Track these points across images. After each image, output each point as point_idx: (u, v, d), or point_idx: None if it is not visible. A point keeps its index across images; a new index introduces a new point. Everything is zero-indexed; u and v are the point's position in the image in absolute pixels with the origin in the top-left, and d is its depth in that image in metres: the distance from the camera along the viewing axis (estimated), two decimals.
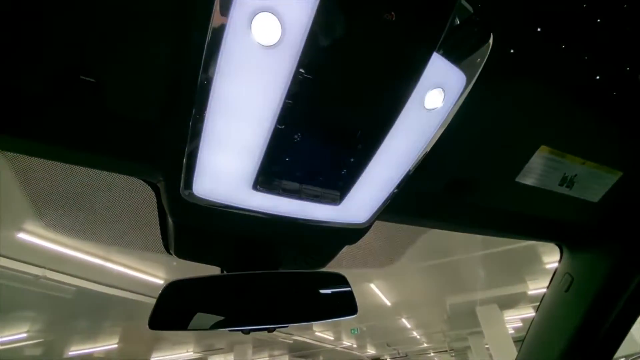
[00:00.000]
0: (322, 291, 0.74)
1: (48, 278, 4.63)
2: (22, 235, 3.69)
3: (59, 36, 0.40)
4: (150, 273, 5.05)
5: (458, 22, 0.43)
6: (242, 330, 0.66)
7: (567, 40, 0.55)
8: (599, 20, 0.54)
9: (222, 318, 0.65)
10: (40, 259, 4.33)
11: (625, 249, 0.90)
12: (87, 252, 4.17)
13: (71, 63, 0.42)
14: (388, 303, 7.31)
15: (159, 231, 0.81)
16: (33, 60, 0.41)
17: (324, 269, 0.85)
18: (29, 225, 3.56)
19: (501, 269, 6.03)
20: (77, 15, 0.39)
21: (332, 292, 0.74)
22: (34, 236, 3.73)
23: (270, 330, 0.68)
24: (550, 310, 1.07)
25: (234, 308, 0.67)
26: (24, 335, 6.68)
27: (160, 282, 5.19)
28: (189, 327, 0.62)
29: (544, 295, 1.11)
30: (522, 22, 0.52)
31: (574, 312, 0.97)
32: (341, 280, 0.75)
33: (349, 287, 0.75)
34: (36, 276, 4.53)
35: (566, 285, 1.01)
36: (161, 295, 0.63)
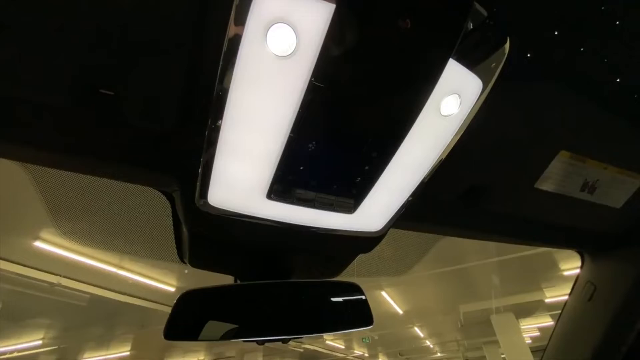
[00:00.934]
0: (337, 301, 0.73)
1: (63, 285, 4.71)
2: (39, 244, 3.77)
3: (78, 49, 0.41)
4: (163, 281, 5.08)
5: (472, 27, 0.43)
6: (256, 341, 0.65)
7: (585, 43, 0.54)
8: (617, 23, 0.53)
9: (237, 328, 0.64)
10: (56, 267, 4.42)
11: None
12: (101, 260, 4.24)
13: (90, 76, 0.42)
14: (400, 311, 7.19)
15: (172, 240, 0.82)
16: (53, 74, 0.42)
17: (338, 278, 0.84)
18: (46, 234, 3.65)
19: (516, 276, 5.88)
20: (96, 30, 0.40)
21: (347, 302, 0.73)
22: (50, 244, 3.81)
23: (284, 341, 0.67)
24: (573, 320, 1.03)
25: (249, 318, 0.66)
26: (39, 342, 6.79)
27: (172, 289, 5.22)
28: (204, 338, 0.62)
29: (565, 304, 1.07)
30: (539, 26, 0.51)
31: (598, 322, 0.93)
32: (356, 290, 0.74)
33: (364, 297, 0.73)
34: (52, 284, 4.62)
35: (589, 294, 0.97)
36: (176, 305, 0.63)
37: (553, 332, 1.09)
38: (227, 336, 0.63)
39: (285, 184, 0.52)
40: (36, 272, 4.43)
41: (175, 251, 0.85)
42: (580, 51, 0.55)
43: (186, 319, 0.64)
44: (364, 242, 0.68)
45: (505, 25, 0.47)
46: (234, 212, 0.55)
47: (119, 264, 4.44)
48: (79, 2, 0.38)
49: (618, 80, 0.59)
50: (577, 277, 1.06)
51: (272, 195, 0.53)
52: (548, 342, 1.09)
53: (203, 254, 0.73)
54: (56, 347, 7.30)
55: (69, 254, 3.99)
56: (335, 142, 0.48)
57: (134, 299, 5.46)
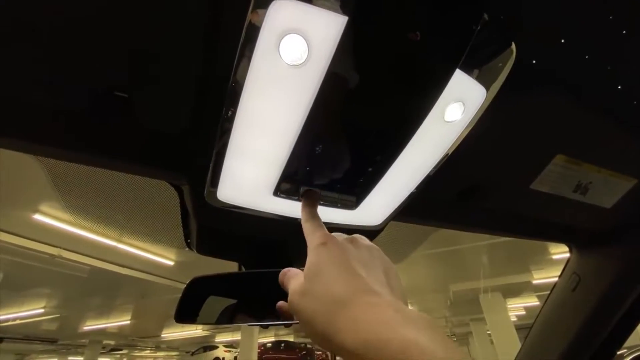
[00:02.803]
0: None
1: (63, 257, 4.81)
2: (39, 217, 3.82)
3: (97, 58, 0.41)
4: (162, 255, 5.19)
5: (478, 35, 0.43)
6: (261, 325, 0.69)
7: (591, 52, 0.55)
8: (624, 32, 0.54)
9: (242, 313, 0.68)
10: (55, 239, 4.49)
11: (635, 254, 0.91)
12: (101, 234, 4.30)
13: (107, 81, 0.43)
14: None
15: (174, 224, 0.85)
16: (76, 81, 0.43)
17: None
18: (46, 207, 3.68)
19: (506, 258, 6.05)
20: (113, 39, 0.40)
21: None
22: (49, 217, 3.86)
23: (287, 326, 0.71)
24: (557, 307, 1.09)
25: (254, 304, 0.70)
26: (41, 310, 7.00)
27: (171, 263, 5.34)
28: (212, 322, 0.66)
29: (550, 292, 1.13)
30: (547, 35, 0.51)
31: (579, 312, 0.99)
32: None
33: None
34: (52, 255, 4.72)
35: (573, 284, 1.02)
36: (185, 290, 0.66)
37: (538, 316, 1.15)
38: (234, 321, 0.67)
39: (292, 182, 0.54)
40: (36, 244, 4.51)
41: (178, 236, 0.88)
42: (585, 59, 0.56)
43: (195, 303, 0.67)
44: (363, 234, 0.71)
45: (510, 33, 0.48)
46: (241, 207, 0.58)
47: (118, 237, 4.52)
48: (97, 9, 0.38)
49: (619, 87, 0.60)
50: (565, 267, 1.12)
51: (279, 193, 0.55)
52: (532, 324, 1.16)
53: (209, 243, 0.75)
54: (58, 315, 7.53)
55: (69, 227, 4.04)
56: (341, 146, 0.50)
57: (134, 271, 5.59)
